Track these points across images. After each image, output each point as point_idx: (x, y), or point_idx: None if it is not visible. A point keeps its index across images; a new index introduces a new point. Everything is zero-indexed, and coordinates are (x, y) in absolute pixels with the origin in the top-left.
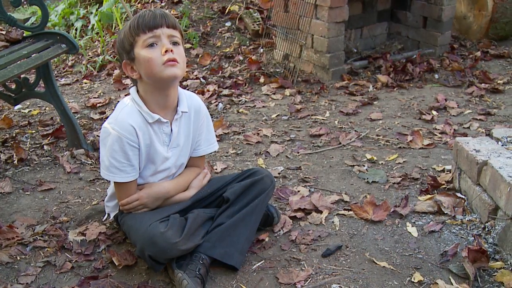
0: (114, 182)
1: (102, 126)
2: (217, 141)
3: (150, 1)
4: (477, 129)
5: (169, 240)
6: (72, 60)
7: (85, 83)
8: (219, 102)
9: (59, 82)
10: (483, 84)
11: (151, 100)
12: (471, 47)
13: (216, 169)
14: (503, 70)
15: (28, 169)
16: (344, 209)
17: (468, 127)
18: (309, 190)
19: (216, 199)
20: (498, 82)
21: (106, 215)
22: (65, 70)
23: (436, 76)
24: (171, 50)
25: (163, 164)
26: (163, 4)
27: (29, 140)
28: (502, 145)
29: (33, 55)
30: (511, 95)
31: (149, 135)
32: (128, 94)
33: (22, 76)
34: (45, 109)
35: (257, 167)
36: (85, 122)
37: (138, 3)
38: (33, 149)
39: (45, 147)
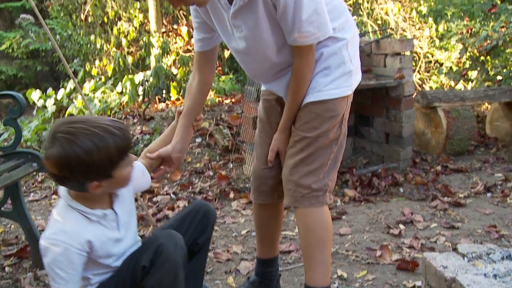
0: None
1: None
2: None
3: (122, 118)
4: (444, 243)
5: None
6: (42, 175)
7: (54, 199)
8: None
9: (27, 198)
10: (445, 198)
11: (93, 200)
12: (432, 162)
13: None
14: (463, 184)
15: None
16: None
17: (435, 241)
18: None
19: None
20: (460, 196)
21: None
22: (34, 185)
23: (401, 189)
24: None
25: (118, 245)
26: (135, 120)
27: None
28: (468, 261)
29: (3, 175)
30: (473, 208)
31: (100, 238)
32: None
33: None
34: (10, 227)
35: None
36: None
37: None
38: None
39: (7, 268)
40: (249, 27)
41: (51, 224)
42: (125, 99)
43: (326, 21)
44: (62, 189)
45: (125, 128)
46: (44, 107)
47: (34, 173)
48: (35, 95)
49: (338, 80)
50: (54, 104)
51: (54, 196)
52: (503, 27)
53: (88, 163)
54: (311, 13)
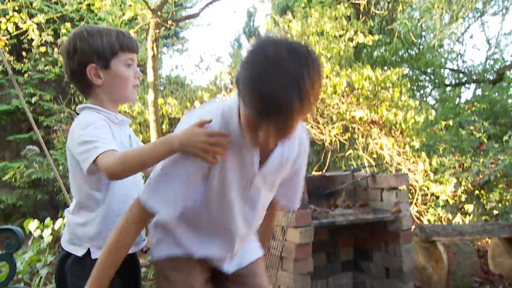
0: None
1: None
2: None
3: None
4: None
5: None
6: None
7: None
8: None
9: None
10: None
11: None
12: None
13: None
14: None
15: None
16: None
17: None
18: None
19: None
20: None
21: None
22: None
23: None
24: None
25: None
26: None
27: None
28: None
29: None
30: None
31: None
32: None
33: None
34: None
35: None
36: None
37: None
38: None
39: None
40: (267, 186)
41: (79, 124)
42: None
43: None
44: (84, 105)
45: (133, 37)
46: (40, 237)
47: None
48: (32, 225)
49: None
50: (51, 234)
51: None
52: (492, 163)
53: (87, 42)
54: None
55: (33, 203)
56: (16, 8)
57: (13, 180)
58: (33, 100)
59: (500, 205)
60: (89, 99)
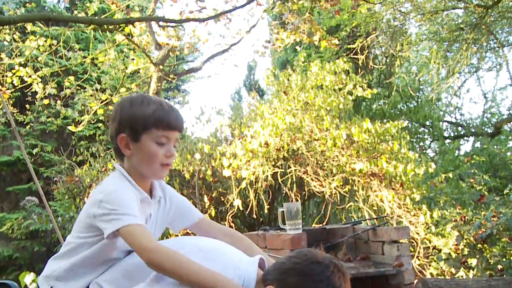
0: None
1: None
2: None
3: None
4: None
5: None
6: None
7: None
8: None
9: None
10: None
11: (134, 179)
12: None
13: None
14: None
15: None
16: None
17: None
18: None
19: None
20: None
21: None
22: None
23: None
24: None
25: None
26: None
27: None
28: None
29: None
30: None
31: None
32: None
33: None
34: None
35: None
36: None
37: None
38: None
39: None
40: None
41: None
42: None
43: None
44: (117, 165)
45: (178, 112)
46: None
47: None
48: (28, 278)
49: None
50: None
51: None
52: (494, 216)
53: (126, 111)
54: None
55: (29, 255)
56: (22, 62)
57: (10, 231)
58: (35, 151)
59: (504, 259)
60: (121, 164)
